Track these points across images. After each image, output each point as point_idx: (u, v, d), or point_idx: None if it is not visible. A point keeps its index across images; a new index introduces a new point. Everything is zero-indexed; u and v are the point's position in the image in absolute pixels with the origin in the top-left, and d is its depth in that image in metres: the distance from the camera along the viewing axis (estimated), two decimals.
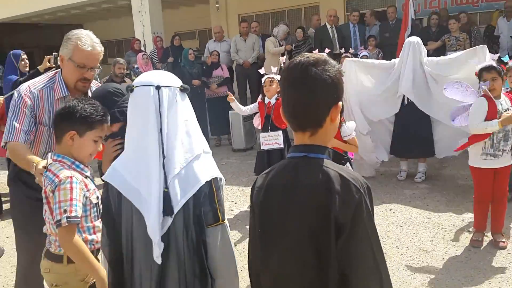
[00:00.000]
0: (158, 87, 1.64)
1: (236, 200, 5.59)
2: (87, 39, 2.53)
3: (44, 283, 2.41)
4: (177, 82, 1.73)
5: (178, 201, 1.59)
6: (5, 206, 5.97)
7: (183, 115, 1.68)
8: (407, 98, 5.45)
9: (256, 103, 5.18)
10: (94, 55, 2.54)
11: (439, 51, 8.01)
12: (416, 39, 5.50)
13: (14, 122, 2.42)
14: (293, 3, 12.28)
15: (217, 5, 13.71)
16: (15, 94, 2.51)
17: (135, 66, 8.70)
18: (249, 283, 1.53)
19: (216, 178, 1.66)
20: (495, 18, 9.23)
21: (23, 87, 2.51)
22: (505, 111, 3.69)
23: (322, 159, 1.32)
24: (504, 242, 3.86)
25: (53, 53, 5.19)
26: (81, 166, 2.14)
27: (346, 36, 8.83)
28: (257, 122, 5.24)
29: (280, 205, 1.33)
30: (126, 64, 7.95)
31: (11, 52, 5.55)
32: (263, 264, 1.39)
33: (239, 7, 13.11)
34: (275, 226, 1.34)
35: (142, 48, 10.21)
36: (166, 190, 1.59)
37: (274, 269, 1.36)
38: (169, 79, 1.71)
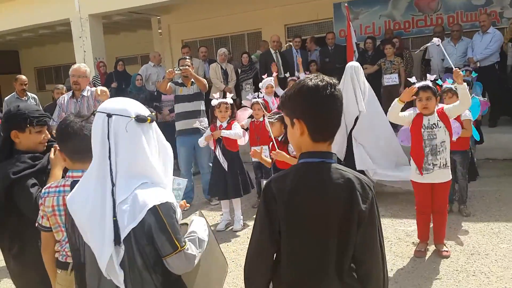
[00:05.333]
0: (109, 115, 1.68)
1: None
2: (76, 64, 5.12)
3: None
4: (135, 111, 1.72)
5: (125, 227, 1.62)
6: None
7: (137, 145, 1.69)
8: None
9: (208, 131, 5.35)
10: (78, 69, 4.92)
11: (375, 75, 8.50)
12: (356, 63, 5.82)
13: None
14: (236, 29, 12.56)
15: (160, 31, 13.74)
16: None
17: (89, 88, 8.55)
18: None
19: (164, 204, 1.67)
20: None
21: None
22: (430, 126, 4.01)
23: (335, 163, 1.60)
24: (447, 251, 4.12)
25: None
26: None
27: (290, 60, 9.13)
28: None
29: (310, 203, 1.55)
30: (67, 89, 7.82)
31: None
32: (286, 257, 1.60)
33: (182, 33, 13.20)
34: (303, 220, 1.56)
35: None
36: (114, 219, 1.61)
37: (298, 258, 1.58)
38: (125, 108, 1.72)
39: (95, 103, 4.89)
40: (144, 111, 1.76)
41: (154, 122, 1.79)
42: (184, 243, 1.71)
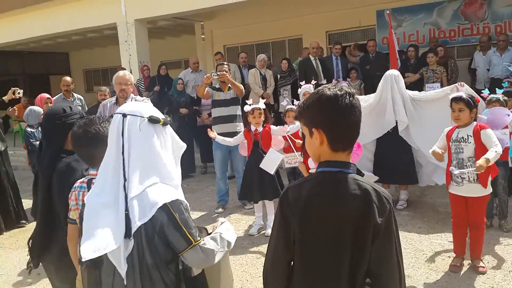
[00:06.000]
0: (124, 115, 1.81)
1: None
2: (121, 71, 5.02)
3: None
4: (148, 113, 1.84)
5: (135, 222, 1.69)
6: None
7: (149, 144, 1.79)
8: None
9: (242, 133, 5.43)
10: (124, 77, 4.83)
11: (417, 83, 8.35)
12: (396, 72, 5.75)
13: None
14: (277, 35, 12.63)
15: (202, 36, 13.99)
16: None
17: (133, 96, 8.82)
18: None
19: (175, 201, 1.74)
20: None
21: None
22: (458, 140, 3.92)
23: (354, 174, 1.58)
24: (483, 267, 3.98)
25: (17, 88, 6.46)
26: None
27: (329, 67, 9.10)
28: (243, 150, 5.46)
29: (325, 212, 1.54)
30: (110, 91, 8.10)
31: None
32: (300, 266, 1.59)
33: (224, 38, 13.40)
34: (317, 229, 1.55)
35: None
36: (126, 212, 1.69)
37: (311, 268, 1.57)
38: (139, 109, 1.84)
39: None
40: (158, 114, 1.86)
41: (170, 128, 1.90)
42: (199, 238, 1.76)
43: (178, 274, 1.79)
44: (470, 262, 4.08)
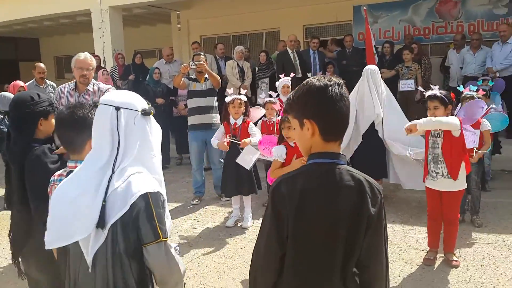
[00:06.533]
0: (117, 108, 1.75)
1: (198, 219, 5.60)
2: (81, 53, 4.28)
3: None
4: (140, 105, 1.80)
5: (114, 215, 1.67)
6: None
7: (143, 137, 1.77)
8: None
9: (222, 127, 5.35)
10: (85, 60, 4.23)
11: (392, 79, 8.46)
12: (373, 66, 5.81)
13: None
14: (255, 27, 12.56)
15: (178, 26, 13.80)
16: None
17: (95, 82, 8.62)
18: None
19: (156, 193, 1.73)
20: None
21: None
22: (435, 135, 4.04)
23: (346, 165, 1.57)
24: (456, 261, 4.08)
25: None
26: None
27: (307, 61, 9.12)
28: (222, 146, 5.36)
29: (321, 205, 1.52)
30: None
31: None
32: (292, 260, 1.56)
33: (201, 29, 13.25)
34: (312, 222, 1.52)
35: (102, 65, 10.12)
36: (104, 203, 1.67)
37: (304, 262, 1.55)
38: (132, 102, 1.79)
39: None
40: (145, 104, 1.83)
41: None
42: (166, 236, 1.74)
43: (141, 266, 1.75)
44: (443, 256, 4.18)
